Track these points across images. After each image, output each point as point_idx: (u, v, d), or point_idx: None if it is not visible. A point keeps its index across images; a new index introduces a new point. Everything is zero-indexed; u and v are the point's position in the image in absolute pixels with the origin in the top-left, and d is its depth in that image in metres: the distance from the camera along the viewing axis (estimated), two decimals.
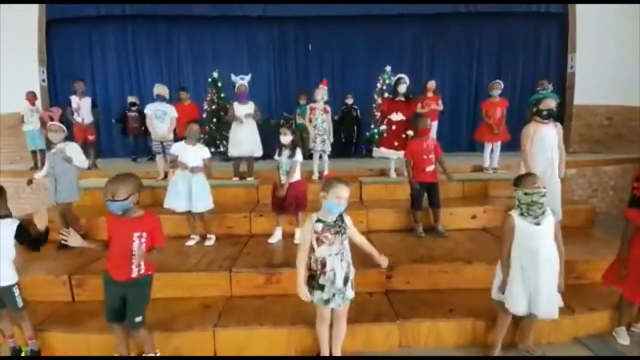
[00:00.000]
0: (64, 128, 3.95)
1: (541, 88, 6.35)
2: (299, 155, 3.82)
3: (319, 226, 2.35)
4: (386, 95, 6.27)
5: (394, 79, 7.35)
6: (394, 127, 5.27)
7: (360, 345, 2.80)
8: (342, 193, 2.31)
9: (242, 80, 5.45)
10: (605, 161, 6.83)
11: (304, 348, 2.79)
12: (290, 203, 3.84)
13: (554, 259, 2.51)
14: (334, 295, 2.36)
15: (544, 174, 3.85)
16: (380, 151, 5.42)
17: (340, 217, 2.41)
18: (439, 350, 2.82)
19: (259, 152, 5.57)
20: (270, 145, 3.91)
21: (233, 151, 5.54)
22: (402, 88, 5.21)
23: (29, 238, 2.52)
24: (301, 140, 7.42)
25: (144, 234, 2.35)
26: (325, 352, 2.62)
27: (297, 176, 3.87)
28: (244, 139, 5.44)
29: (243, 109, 5.42)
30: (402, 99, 5.26)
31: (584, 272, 3.42)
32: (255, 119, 5.53)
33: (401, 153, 4.90)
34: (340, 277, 2.36)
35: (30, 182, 4.03)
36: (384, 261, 2.51)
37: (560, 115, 7.35)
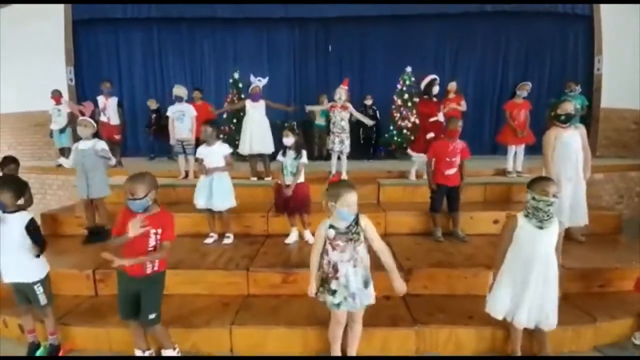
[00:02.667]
0: (94, 124, 4.05)
1: (569, 90, 6.19)
2: (305, 157, 3.85)
3: (332, 233, 2.34)
4: (415, 99, 6.15)
5: (414, 79, 7.35)
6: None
7: (377, 349, 2.78)
8: (350, 200, 2.25)
9: (258, 82, 5.59)
10: (631, 166, 6.60)
11: (319, 348, 2.79)
12: (294, 205, 3.87)
13: (550, 267, 2.46)
14: (345, 298, 2.36)
15: (570, 180, 3.76)
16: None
17: (356, 221, 2.34)
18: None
19: (270, 149, 5.61)
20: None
21: (244, 148, 5.62)
22: (437, 89, 5.13)
23: (37, 234, 2.58)
24: (319, 140, 7.51)
25: (159, 231, 2.39)
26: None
27: (301, 178, 3.89)
28: (255, 135, 5.52)
29: (254, 107, 5.56)
30: (435, 99, 5.20)
31: (610, 280, 3.32)
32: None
33: None
34: (356, 281, 2.34)
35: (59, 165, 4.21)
36: (400, 287, 2.38)
37: (588, 118, 7.14)
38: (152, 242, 2.39)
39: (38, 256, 2.60)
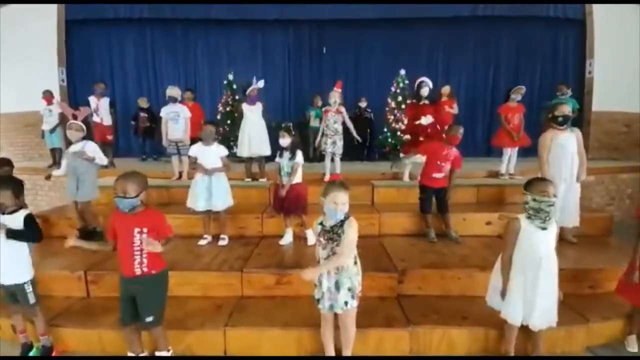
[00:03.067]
0: (84, 128, 4.01)
1: (560, 93, 6.27)
2: (299, 157, 3.86)
3: (318, 228, 2.43)
4: (408, 101, 6.23)
5: (408, 82, 7.39)
6: (428, 131, 5.22)
7: (371, 350, 2.78)
8: (338, 198, 2.27)
9: (259, 85, 5.65)
10: (622, 168, 6.70)
11: (314, 350, 2.78)
12: (290, 205, 3.88)
13: (554, 266, 2.48)
14: (322, 296, 2.40)
15: (565, 181, 3.80)
16: (416, 158, 5.12)
17: (342, 224, 2.33)
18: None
19: (267, 151, 5.64)
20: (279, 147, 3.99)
21: (242, 151, 5.64)
22: (425, 91, 5.18)
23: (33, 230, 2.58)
24: (314, 142, 7.51)
25: (145, 229, 2.35)
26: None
27: (298, 178, 3.90)
28: (252, 138, 5.54)
29: (251, 111, 5.59)
30: (427, 102, 5.22)
31: (600, 281, 3.36)
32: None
33: None
34: (328, 282, 2.37)
35: (48, 177, 4.24)
36: (305, 273, 2.32)
37: (579, 121, 7.22)
38: (136, 241, 2.35)
39: (37, 241, 2.63)
